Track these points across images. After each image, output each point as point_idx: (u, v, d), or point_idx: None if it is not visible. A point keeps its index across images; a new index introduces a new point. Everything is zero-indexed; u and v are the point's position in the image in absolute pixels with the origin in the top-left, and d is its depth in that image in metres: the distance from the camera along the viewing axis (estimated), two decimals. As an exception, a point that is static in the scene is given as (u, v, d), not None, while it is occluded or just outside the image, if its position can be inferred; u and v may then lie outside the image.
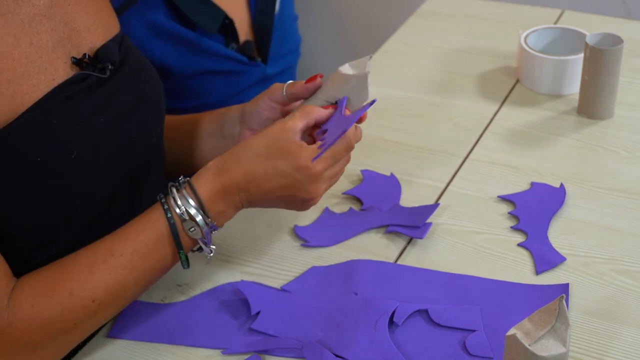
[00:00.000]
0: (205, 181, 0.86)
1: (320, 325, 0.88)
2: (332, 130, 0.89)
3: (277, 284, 0.95)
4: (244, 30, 1.34)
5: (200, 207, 0.85)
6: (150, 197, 0.96)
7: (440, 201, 1.07)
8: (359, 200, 1.08)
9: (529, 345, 0.71)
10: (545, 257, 0.96)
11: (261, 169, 0.86)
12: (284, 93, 0.95)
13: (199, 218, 0.84)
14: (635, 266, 0.95)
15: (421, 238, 0.99)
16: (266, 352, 0.86)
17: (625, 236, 1.00)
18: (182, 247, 0.85)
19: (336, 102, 0.92)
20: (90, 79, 0.88)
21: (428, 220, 1.02)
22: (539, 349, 0.71)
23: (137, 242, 0.83)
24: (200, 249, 0.88)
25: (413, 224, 1.01)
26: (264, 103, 0.97)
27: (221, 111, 1.05)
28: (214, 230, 0.86)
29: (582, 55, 1.22)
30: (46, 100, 0.83)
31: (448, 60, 1.41)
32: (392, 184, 1.10)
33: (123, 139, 0.90)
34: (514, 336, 0.71)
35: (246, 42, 1.34)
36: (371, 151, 1.17)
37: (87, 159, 0.85)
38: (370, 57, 0.91)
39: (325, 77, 0.94)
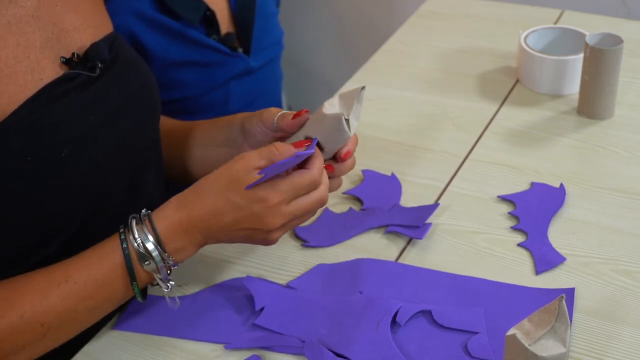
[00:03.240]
0: (164, 216, 0.84)
1: (324, 323, 0.88)
2: (278, 165, 0.85)
3: (277, 284, 0.95)
4: (224, 22, 1.35)
5: (157, 242, 0.83)
6: (148, 193, 0.96)
7: (440, 201, 1.07)
8: (359, 200, 1.08)
9: (529, 345, 0.71)
10: (545, 257, 0.96)
11: (220, 203, 0.84)
12: (275, 123, 0.93)
13: (155, 253, 0.83)
14: (635, 266, 0.95)
15: (420, 238, 0.99)
16: (268, 348, 0.87)
17: (625, 236, 1.00)
18: (136, 279, 0.84)
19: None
20: (80, 78, 0.88)
21: (428, 221, 1.02)
22: (538, 349, 0.71)
23: (92, 271, 0.82)
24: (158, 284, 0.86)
25: (413, 224, 1.01)
26: (257, 126, 0.96)
27: (226, 120, 1.04)
28: (173, 267, 0.85)
29: (582, 55, 1.22)
30: (34, 100, 0.83)
31: (448, 60, 1.41)
32: (392, 184, 1.10)
33: (116, 136, 0.90)
34: (513, 336, 0.71)
35: (227, 34, 1.35)
36: (371, 151, 1.17)
37: (79, 157, 0.85)
38: (363, 87, 0.88)
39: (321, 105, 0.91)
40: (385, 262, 0.97)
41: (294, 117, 0.91)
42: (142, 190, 0.96)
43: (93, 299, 0.83)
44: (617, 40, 1.17)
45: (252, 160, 0.85)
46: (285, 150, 0.85)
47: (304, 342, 0.86)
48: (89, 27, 0.92)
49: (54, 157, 0.83)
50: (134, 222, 0.84)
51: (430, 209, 1.03)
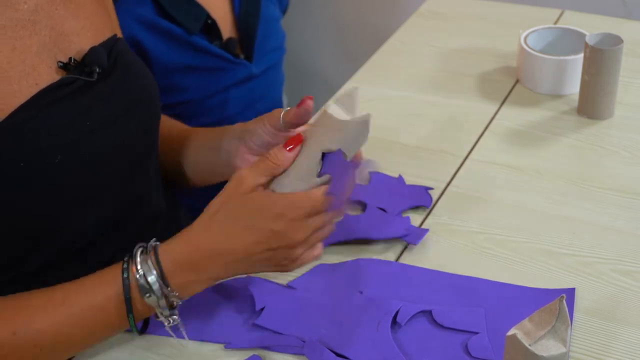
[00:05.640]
0: (171, 250, 0.82)
1: (324, 323, 0.88)
2: (337, 182, 0.81)
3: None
4: (227, 29, 1.35)
5: (161, 276, 0.81)
6: (145, 200, 0.95)
7: (440, 201, 1.07)
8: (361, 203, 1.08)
9: (529, 345, 0.71)
10: (414, 233, 0.99)
11: (234, 229, 0.81)
12: (281, 122, 0.89)
13: (155, 286, 0.80)
14: (636, 266, 0.95)
15: (415, 244, 0.99)
16: (268, 348, 0.87)
17: (625, 236, 1.00)
18: (132, 311, 0.82)
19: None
20: (77, 83, 0.86)
21: (424, 226, 1.02)
22: (539, 349, 0.71)
23: (90, 297, 0.81)
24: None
25: (404, 237, 1.01)
26: (265, 127, 0.91)
27: (223, 128, 1.02)
28: (178, 302, 0.83)
29: (582, 55, 1.22)
30: (28, 105, 0.82)
31: (448, 60, 1.41)
32: (399, 186, 1.09)
33: (112, 143, 0.88)
34: (514, 336, 0.71)
35: (229, 40, 1.35)
36: (370, 151, 1.16)
37: (72, 163, 0.84)
38: (357, 88, 0.84)
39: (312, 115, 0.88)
40: (386, 262, 0.97)
41: (298, 106, 0.87)
42: (139, 197, 0.94)
43: (89, 325, 0.82)
44: (617, 40, 1.17)
45: (251, 179, 0.82)
46: (282, 158, 0.83)
47: (304, 342, 0.86)
48: (89, 31, 0.91)
49: (47, 163, 0.82)
50: (138, 252, 0.82)
51: (421, 232, 1.02)
